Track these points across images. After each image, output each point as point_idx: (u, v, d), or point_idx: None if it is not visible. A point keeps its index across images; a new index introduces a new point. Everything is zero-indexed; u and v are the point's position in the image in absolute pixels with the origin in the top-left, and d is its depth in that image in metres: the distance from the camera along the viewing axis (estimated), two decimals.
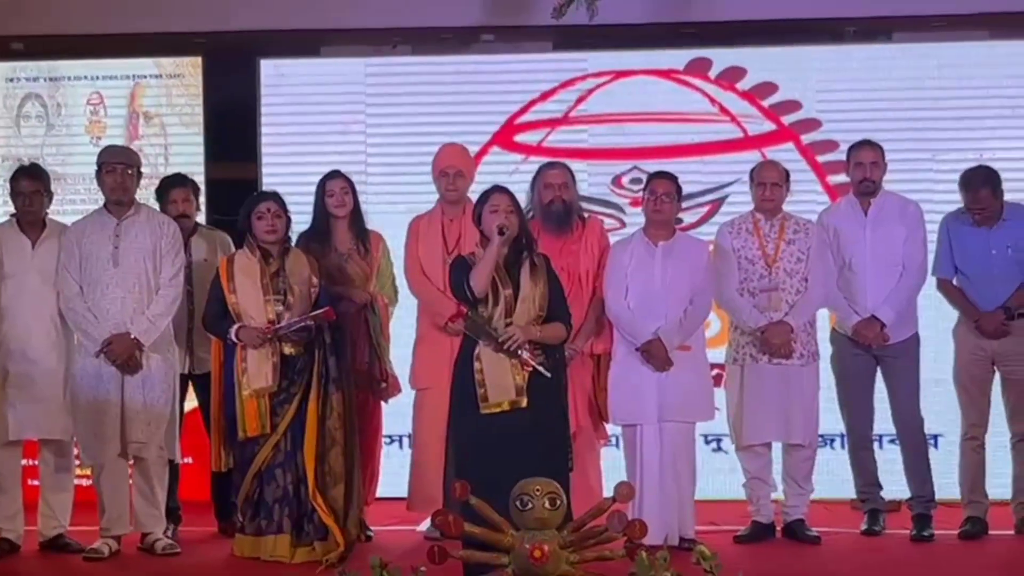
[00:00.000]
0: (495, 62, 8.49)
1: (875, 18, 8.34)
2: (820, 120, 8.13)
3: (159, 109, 8.58)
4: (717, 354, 7.13)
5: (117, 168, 6.75)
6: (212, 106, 8.55)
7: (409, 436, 7.30)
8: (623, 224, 8.03)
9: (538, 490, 4.80)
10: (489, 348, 5.76)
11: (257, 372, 6.46)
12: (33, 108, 8.63)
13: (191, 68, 8.57)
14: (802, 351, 6.78)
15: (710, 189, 8.13)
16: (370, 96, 8.38)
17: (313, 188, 7.08)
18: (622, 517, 4.83)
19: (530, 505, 4.78)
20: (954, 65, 8.11)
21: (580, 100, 8.28)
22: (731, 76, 8.20)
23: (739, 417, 6.85)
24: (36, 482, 6.96)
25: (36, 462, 6.96)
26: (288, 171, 8.17)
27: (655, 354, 6.54)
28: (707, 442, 7.82)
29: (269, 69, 8.43)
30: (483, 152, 8.16)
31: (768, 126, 8.18)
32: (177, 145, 8.54)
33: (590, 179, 8.12)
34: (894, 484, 7.21)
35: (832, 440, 7.65)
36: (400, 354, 7.11)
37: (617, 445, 7.02)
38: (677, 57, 8.25)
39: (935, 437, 7.55)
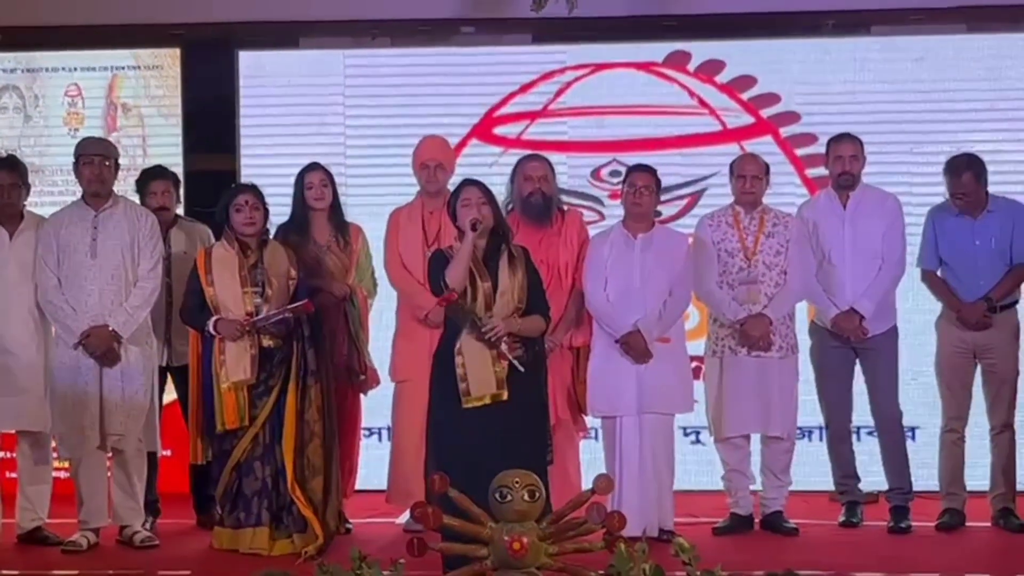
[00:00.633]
0: (474, 54, 8.49)
1: (854, 11, 8.37)
2: (799, 113, 8.14)
3: (137, 101, 8.56)
4: (696, 346, 7.15)
5: (95, 160, 6.73)
6: (191, 98, 8.53)
7: (388, 429, 7.29)
8: (602, 217, 8.04)
9: (517, 482, 4.80)
10: (471, 339, 5.76)
11: (235, 365, 6.44)
12: (10, 99, 8.60)
13: (170, 59, 8.54)
14: (781, 344, 6.80)
15: (689, 182, 8.14)
16: (349, 88, 8.37)
17: (292, 180, 7.06)
18: (601, 509, 4.83)
19: (509, 497, 4.78)
20: (932, 58, 8.13)
21: (559, 93, 8.28)
22: (710, 69, 8.21)
23: (718, 409, 6.86)
24: (14, 475, 6.96)
25: (14, 455, 6.95)
26: (267, 163, 8.15)
27: (634, 346, 6.55)
28: (685, 434, 7.83)
29: (248, 61, 8.40)
30: (462, 144, 8.15)
31: (747, 119, 8.19)
32: (155, 137, 8.51)
33: (569, 172, 8.12)
34: (872, 476, 7.25)
35: (810, 432, 7.67)
36: (379, 347, 7.11)
37: (596, 438, 7.04)
38: (656, 50, 8.25)
39: (913, 429, 7.57)
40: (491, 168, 7.81)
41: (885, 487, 7.11)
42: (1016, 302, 7.04)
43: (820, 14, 8.40)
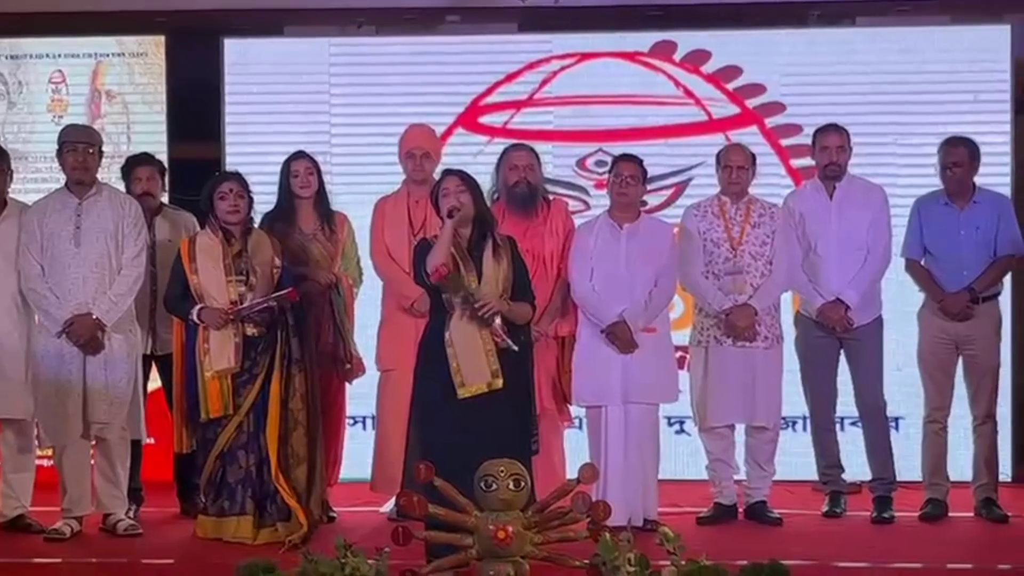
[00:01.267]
0: (460, 43, 8.46)
1: (839, 2, 8.40)
2: (784, 104, 8.14)
3: (122, 88, 8.52)
4: (681, 336, 7.15)
5: (79, 147, 6.70)
6: (175, 85, 8.49)
7: (373, 417, 7.29)
8: (587, 206, 8.04)
9: (502, 471, 4.81)
10: (460, 325, 5.75)
11: (219, 353, 6.43)
12: None
13: (154, 47, 8.50)
14: (766, 334, 6.80)
15: (674, 172, 8.13)
16: (334, 76, 8.35)
17: (276, 168, 7.05)
18: (586, 498, 4.85)
19: (494, 486, 4.79)
20: (917, 49, 8.14)
21: (545, 82, 8.27)
22: (696, 59, 8.20)
23: (703, 399, 6.87)
24: None
25: None
26: (251, 151, 8.14)
27: (620, 336, 6.56)
28: (670, 424, 7.84)
29: (233, 49, 8.37)
30: (448, 133, 8.13)
31: (732, 109, 8.19)
32: (139, 124, 8.48)
33: (555, 161, 8.11)
34: (856, 466, 7.27)
35: (794, 422, 7.68)
36: (365, 335, 7.10)
37: (581, 427, 7.04)
38: (642, 40, 8.24)
39: (896, 420, 7.59)
40: (476, 157, 7.80)
41: (869, 477, 7.13)
42: (998, 294, 7.07)
43: (806, 5, 8.42)
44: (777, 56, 8.20)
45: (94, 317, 6.53)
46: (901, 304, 7.42)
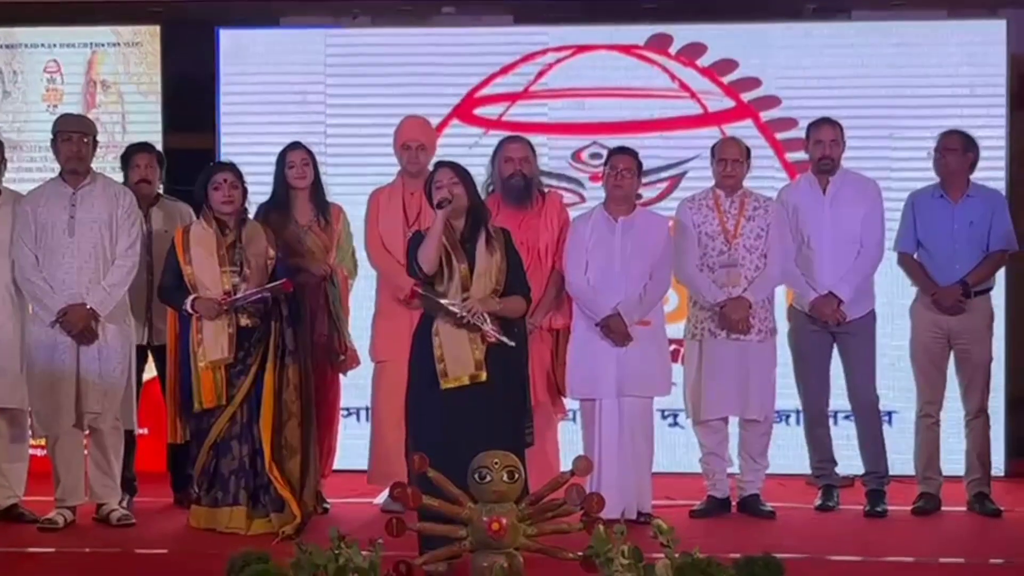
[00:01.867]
0: (455, 35, 8.45)
1: None
2: (779, 97, 8.13)
3: (117, 78, 8.51)
4: (675, 329, 7.15)
5: (73, 137, 6.70)
6: (170, 75, 8.48)
7: (367, 409, 7.30)
8: (582, 199, 8.03)
9: (497, 463, 4.81)
10: (448, 324, 5.75)
11: (213, 343, 6.43)
12: None
13: (149, 37, 8.49)
14: (760, 327, 6.81)
15: (670, 165, 8.13)
16: (330, 68, 8.33)
17: (271, 159, 7.05)
18: (580, 491, 4.85)
19: (488, 478, 4.79)
20: (913, 44, 8.13)
21: (540, 74, 8.26)
22: (691, 52, 8.20)
23: (696, 392, 6.87)
24: None
25: None
26: (246, 141, 8.12)
27: (615, 329, 6.56)
28: (663, 417, 7.84)
29: (228, 39, 8.36)
30: (443, 125, 8.12)
31: (728, 103, 8.18)
32: (134, 114, 8.46)
33: (550, 153, 8.10)
34: (848, 460, 7.27)
35: (788, 416, 7.70)
36: (360, 327, 7.10)
37: (575, 420, 7.04)
38: (638, 33, 8.23)
39: (889, 414, 7.60)
40: (471, 149, 7.80)
41: (861, 471, 7.14)
42: (991, 288, 7.08)
43: None
44: (773, 50, 8.19)
45: (88, 307, 6.53)
46: (894, 298, 7.43)
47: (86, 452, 6.75)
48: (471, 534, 4.82)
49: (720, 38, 8.19)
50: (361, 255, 7.11)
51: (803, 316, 7.04)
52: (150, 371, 7.16)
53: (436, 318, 5.77)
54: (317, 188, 6.99)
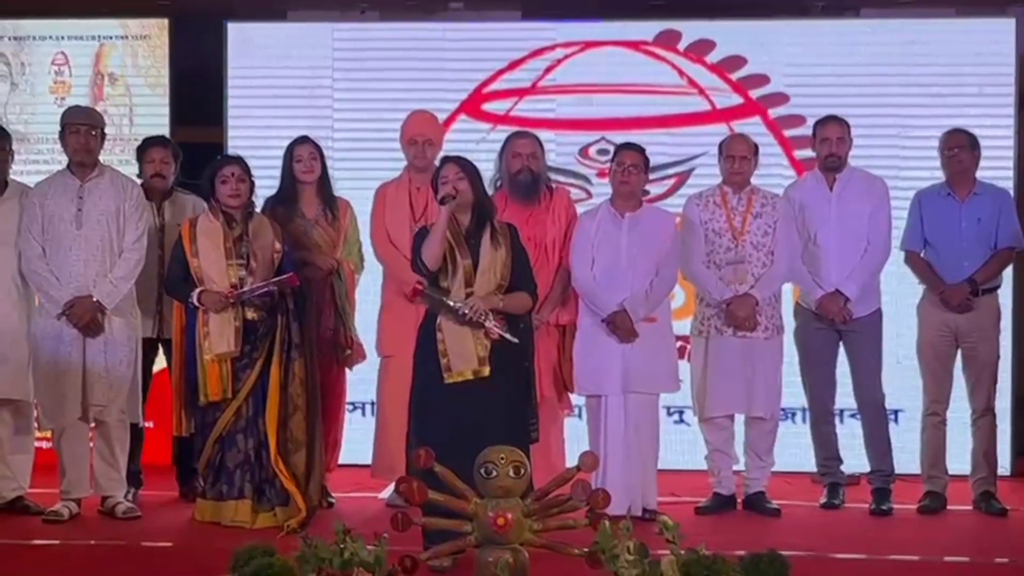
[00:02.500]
0: (463, 30, 8.44)
1: None
2: (788, 95, 8.13)
3: (124, 71, 8.51)
4: (682, 326, 7.15)
5: (81, 129, 6.70)
6: (178, 69, 8.48)
7: (372, 403, 7.30)
8: (589, 195, 8.04)
9: (503, 459, 4.81)
10: (451, 321, 5.74)
11: (219, 336, 6.43)
12: None
13: (157, 30, 8.50)
14: (767, 324, 6.80)
15: (677, 161, 8.12)
16: (337, 62, 8.33)
17: (278, 153, 7.06)
18: (586, 486, 4.85)
19: (494, 473, 4.79)
20: (921, 42, 8.12)
21: (548, 70, 8.25)
22: (700, 49, 8.19)
23: (702, 389, 6.87)
24: None
25: None
26: (254, 135, 8.12)
27: (620, 325, 6.55)
28: (669, 414, 7.84)
29: (236, 32, 8.36)
30: (450, 120, 8.12)
31: (736, 100, 8.18)
32: (142, 107, 8.47)
33: (557, 149, 8.09)
34: (854, 458, 7.26)
35: (793, 414, 7.69)
36: (366, 321, 7.10)
37: (580, 416, 7.04)
38: (646, 29, 8.23)
39: (895, 412, 7.60)
40: (479, 144, 7.79)
41: (867, 469, 7.13)
42: (998, 287, 7.06)
43: None
44: (781, 47, 8.19)
45: (94, 299, 6.53)
46: (901, 297, 7.42)
47: (91, 445, 6.75)
48: (476, 529, 4.82)
49: (729, 35, 8.19)
50: (367, 249, 7.10)
51: (809, 314, 7.02)
52: (160, 363, 7.14)
53: (439, 315, 5.77)
54: (324, 182, 6.99)
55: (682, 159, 8.13)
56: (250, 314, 6.48)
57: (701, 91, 8.19)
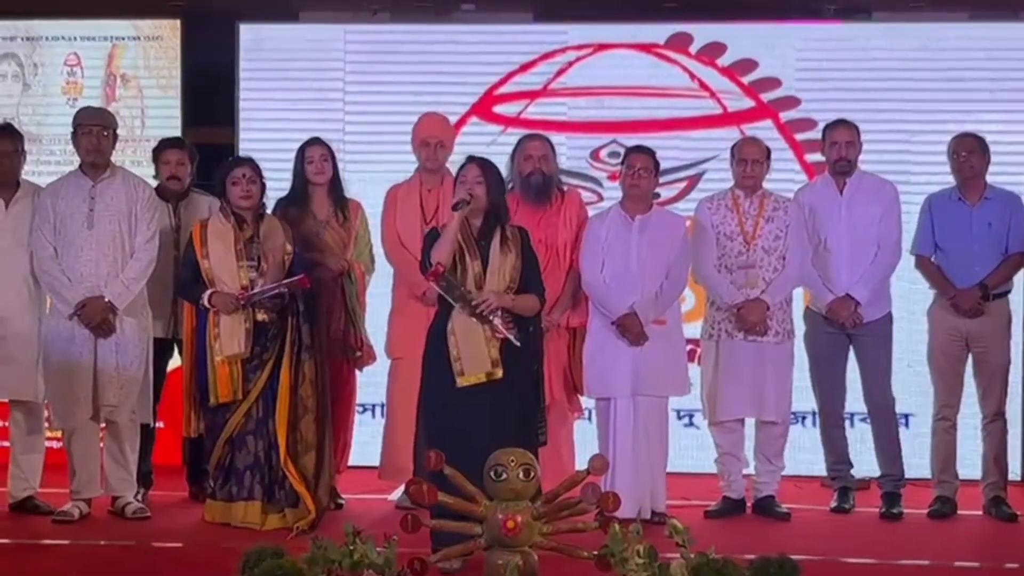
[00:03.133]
0: (475, 32, 8.44)
1: None
2: (799, 98, 8.12)
3: (136, 71, 8.53)
4: (692, 329, 7.14)
5: (93, 130, 6.71)
6: (190, 70, 8.50)
7: (382, 405, 7.30)
8: (600, 198, 8.03)
9: (512, 461, 4.82)
10: (462, 316, 5.73)
11: (229, 338, 6.44)
12: (9, 67, 8.56)
13: (170, 31, 8.51)
14: (777, 329, 6.80)
15: (688, 164, 8.12)
16: (349, 63, 8.34)
17: (290, 154, 7.06)
18: (596, 489, 4.84)
19: (504, 476, 4.79)
20: (933, 46, 8.11)
21: (560, 72, 8.25)
22: (711, 52, 8.19)
23: (713, 393, 6.86)
24: (6, 443, 6.95)
25: (7, 423, 6.94)
26: (265, 136, 8.14)
27: (630, 328, 6.55)
28: (679, 417, 7.83)
29: (248, 34, 8.37)
30: (462, 122, 8.13)
31: (747, 103, 8.17)
32: (154, 108, 8.48)
33: (568, 152, 8.08)
34: (864, 462, 7.26)
35: (804, 418, 7.68)
36: (376, 323, 7.10)
37: (590, 419, 7.04)
38: (658, 31, 8.23)
39: (906, 416, 7.60)
40: (490, 147, 7.78)
41: (877, 473, 7.12)
42: (1009, 291, 7.05)
43: None
44: (793, 50, 8.18)
45: (106, 300, 6.54)
46: (911, 301, 7.41)
47: (102, 445, 6.76)
48: (486, 532, 4.82)
49: (740, 38, 8.18)
50: (378, 251, 7.11)
51: (820, 318, 7.01)
52: (174, 363, 7.13)
53: (452, 312, 5.76)
54: (335, 184, 7.00)
55: (693, 162, 8.13)
56: (260, 316, 6.49)
57: (712, 94, 8.18)
